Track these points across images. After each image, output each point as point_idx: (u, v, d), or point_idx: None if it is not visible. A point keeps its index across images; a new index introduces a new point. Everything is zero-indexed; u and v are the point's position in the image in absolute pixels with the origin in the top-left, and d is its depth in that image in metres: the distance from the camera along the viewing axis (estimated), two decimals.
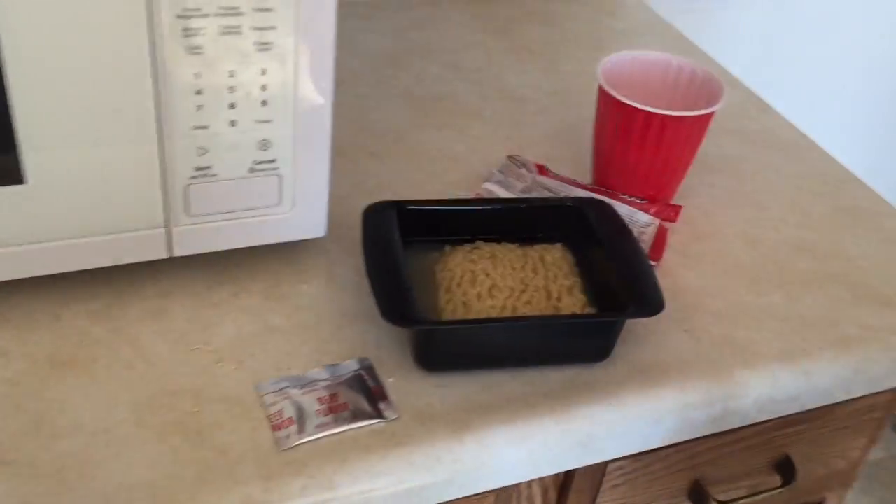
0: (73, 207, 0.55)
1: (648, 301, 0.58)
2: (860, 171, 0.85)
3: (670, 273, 0.69)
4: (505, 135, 0.84)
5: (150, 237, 0.59)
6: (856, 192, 0.81)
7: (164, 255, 0.60)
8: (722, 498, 0.72)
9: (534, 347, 0.59)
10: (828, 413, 0.72)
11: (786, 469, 0.73)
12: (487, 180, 0.73)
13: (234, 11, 0.51)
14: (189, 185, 0.57)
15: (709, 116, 0.69)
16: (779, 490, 0.73)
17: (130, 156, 0.55)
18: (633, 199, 0.72)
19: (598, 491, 0.67)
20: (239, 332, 0.60)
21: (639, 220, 0.71)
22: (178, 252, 0.60)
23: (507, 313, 0.60)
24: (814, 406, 0.65)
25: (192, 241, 0.60)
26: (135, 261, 0.59)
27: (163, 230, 0.59)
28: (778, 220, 0.77)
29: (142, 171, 0.56)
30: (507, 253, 0.64)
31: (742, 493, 0.75)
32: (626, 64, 0.74)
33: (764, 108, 0.92)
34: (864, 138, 1.56)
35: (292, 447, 0.53)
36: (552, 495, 0.67)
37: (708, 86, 0.73)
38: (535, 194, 0.73)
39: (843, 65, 1.45)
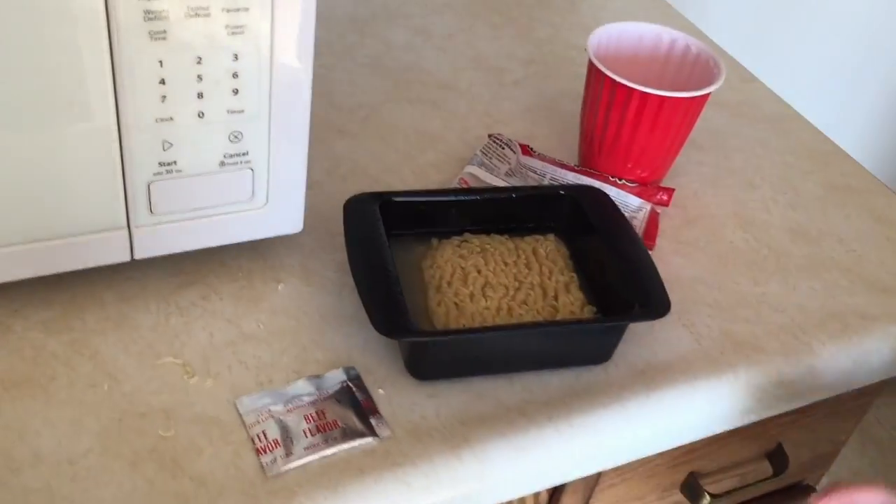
0: (23, 209, 0.49)
1: (654, 302, 0.54)
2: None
3: (664, 261, 0.66)
4: (482, 109, 0.79)
5: (109, 239, 0.53)
6: (844, 168, 0.79)
7: (125, 259, 0.54)
8: (712, 489, 0.70)
9: (533, 353, 0.55)
10: (821, 401, 0.70)
11: (777, 457, 0.72)
12: (469, 163, 0.69)
13: None
14: (152, 181, 0.51)
15: (706, 96, 0.65)
16: (770, 480, 0.71)
17: (87, 152, 0.49)
18: (623, 181, 0.68)
19: (592, 491, 0.65)
20: (211, 340, 0.55)
21: (630, 204, 0.68)
22: (139, 255, 0.54)
23: (503, 314, 0.56)
24: (816, 400, 0.63)
25: (155, 242, 0.54)
26: (93, 265, 0.54)
27: (124, 231, 0.53)
28: (769, 200, 0.74)
29: (99, 168, 0.50)
30: (498, 246, 0.60)
31: (733, 482, 0.73)
32: (615, 37, 0.70)
33: (747, 77, 0.89)
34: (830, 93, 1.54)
35: (280, 473, 0.48)
36: (543, 496, 0.64)
37: (702, 61, 0.69)
38: (519, 178, 0.69)
39: (820, 30, 1.42)
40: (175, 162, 0.51)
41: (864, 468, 1.54)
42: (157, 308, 0.56)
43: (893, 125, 1.62)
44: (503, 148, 0.70)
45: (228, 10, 0.46)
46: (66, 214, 0.51)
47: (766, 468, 0.73)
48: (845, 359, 0.62)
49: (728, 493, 0.71)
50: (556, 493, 0.64)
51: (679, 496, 0.71)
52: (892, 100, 1.58)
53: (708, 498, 0.68)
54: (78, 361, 0.52)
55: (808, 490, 0.81)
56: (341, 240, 0.60)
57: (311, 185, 0.65)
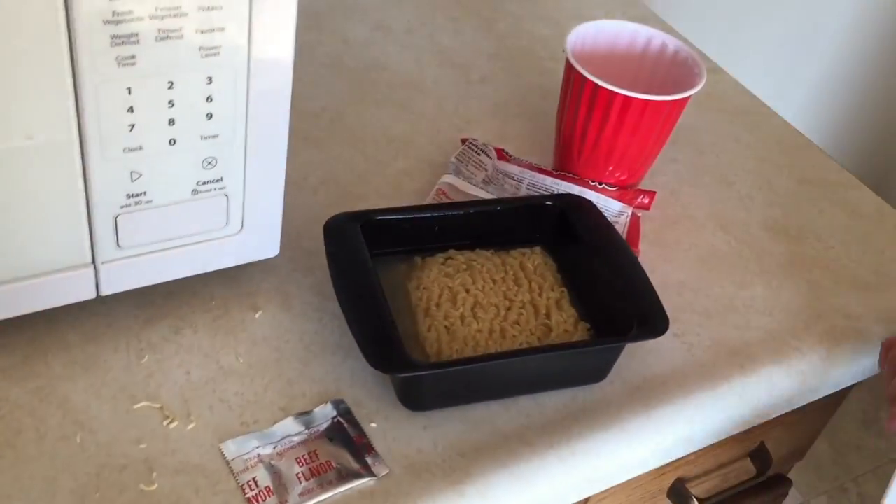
0: None
1: (652, 321, 0.53)
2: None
3: (649, 266, 0.63)
4: (451, 109, 0.76)
5: (73, 277, 0.49)
6: (815, 161, 0.78)
7: (91, 296, 0.50)
8: (696, 492, 0.70)
9: (530, 377, 0.53)
10: None
11: (760, 456, 0.71)
12: (446, 172, 0.66)
13: (175, 12, 0.41)
14: (119, 214, 0.47)
15: (689, 97, 0.63)
16: (754, 480, 0.71)
17: (48, 187, 0.44)
18: (603, 185, 0.66)
19: None
20: (188, 378, 0.51)
21: (611, 208, 0.66)
22: (106, 290, 0.50)
23: (496, 336, 0.54)
24: (805, 403, 0.63)
25: (123, 276, 0.50)
26: (56, 305, 0.49)
27: (89, 269, 0.49)
28: (745, 198, 0.73)
29: (62, 203, 0.45)
30: (485, 262, 0.58)
31: (716, 482, 0.72)
32: (591, 35, 0.67)
33: (713, 68, 0.87)
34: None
35: None
36: None
37: (680, 59, 0.67)
38: (496, 185, 0.66)
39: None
40: (144, 192, 0.47)
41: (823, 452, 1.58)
42: (127, 346, 0.52)
43: (833, 100, 1.64)
44: (478, 154, 0.68)
45: (202, 32, 0.43)
46: (26, 253, 0.46)
47: (748, 466, 0.73)
48: (834, 361, 0.61)
49: (713, 495, 0.70)
50: None
51: (666, 502, 0.70)
52: (831, 73, 1.60)
53: (696, 502, 0.68)
54: (45, 411, 0.48)
55: (784, 481, 0.81)
56: (318, 259, 0.57)
57: None
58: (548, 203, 0.59)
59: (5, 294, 0.47)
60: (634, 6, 0.95)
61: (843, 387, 0.64)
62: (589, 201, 0.60)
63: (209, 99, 0.45)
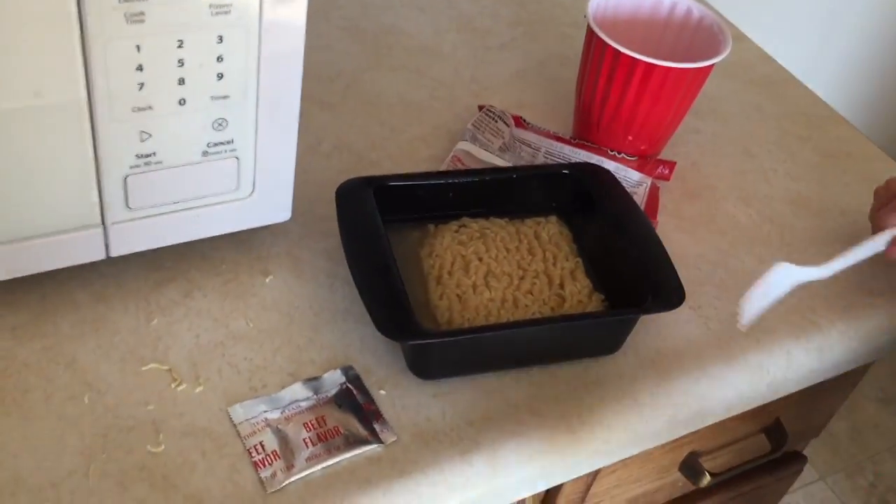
0: None
1: (668, 293, 0.52)
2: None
3: (667, 238, 0.62)
4: (469, 76, 0.74)
5: (83, 237, 0.48)
6: (839, 133, 0.76)
7: (100, 257, 0.50)
8: (709, 466, 0.69)
9: (542, 347, 0.52)
10: None
11: (775, 432, 0.71)
12: (462, 138, 0.65)
13: None
14: (129, 175, 0.47)
15: (712, 66, 0.62)
16: (768, 456, 0.70)
17: (57, 146, 0.44)
18: (622, 155, 0.65)
19: (594, 476, 0.63)
20: (197, 342, 0.51)
21: (630, 178, 0.65)
22: (115, 251, 0.50)
23: (508, 306, 0.53)
24: (822, 380, 0.62)
25: (132, 238, 0.50)
26: (65, 265, 0.49)
27: (99, 229, 0.48)
28: (768, 170, 0.71)
29: (72, 163, 0.45)
30: (499, 230, 0.57)
31: (729, 458, 0.72)
32: (613, 1, 0.66)
33: (738, 36, 0.85)
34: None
35: (281, 488, 0.45)
36: None
37: (705, 26, 0.65)
38: (513, 152, 0.65)
39: None
40: (154, 153, 0.47)
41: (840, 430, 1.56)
42: (136, 308, 0.52)
43: (867, 71, 1.60)
44: (496, 121, 0.66)
45: None
46: (37, 213, 0.46)
47: (762, 442, 0.72)
48: (853, 337, 0.60)
49: (726, 470, 0.69)
50: None
51: (678, 475, 0.69)
52: (865, 44, 1.56)
53: (708, 477, 0.67)
54: (54, 371, 0.48)
55: (799, 458, 0.80)
56: (329, 224, 0.57)
57: None
58: (564, 171, 0.58)
59: (15, 252, 0.47)
60: None
61: (861, 364, 0.63)
62: (606, 170, 0.59)
63: (219, 59, 0.45)
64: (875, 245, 0.56)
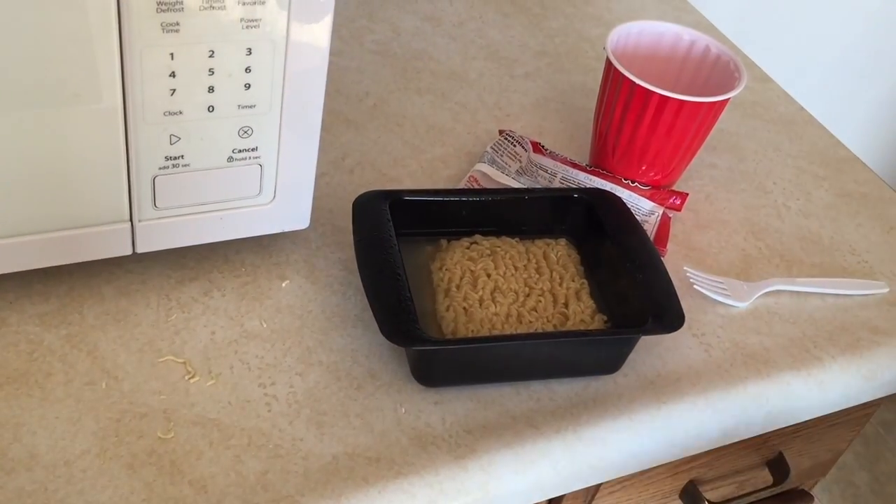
0: (25, 200, 0.47)
1: (668, 315, 0.53)
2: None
3: (675, 267, 0.64)
4: (492, 101, 0.77)
5: (111, 232, 0.51)
6: (857, 175, 0.78)
7: (127, 252, 0.53)
8: (710, 496, 0.70)
9: (542, 362, 0.54)
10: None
11: (778, 466, 0.71)
12: (480, 160, 0.67)
13: None
14: (157, 175, 0.50)
15: (726, 101, 0.64)
16: (770, 490, 0.71)
17: (91, 144, 0.47)
18: (636, 184, 0.67)
19: (592, 498, 0.64)
20: (213, 338, 0.54)
21: (642, 207, 0.66)
22: (141, 248, 0.53)
23: (512, 321, 0.55)
24: (823, 414, 0.62)
25: (158, 236, 0.53)
26: (93, 258, 0.52)
27: (126, 225, 0.51)
28: (781, 207, 0.72)
29: (104, 161, 0.48)
30: (509, 249, 0.59)
31: (731, 489, 0.72)
32: (634, 35, 0.68)
33: (762, 77, 0.87)
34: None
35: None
36: (543, 502, 0.63)
37: (722, 63, 0.67)
38: (530, 176, 0.67)
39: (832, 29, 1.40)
40: (182, 156, 0.50)
41: (848, 461, 1.55)
42: (157, 303, 0.55)
43: (891, 125, 1.61)
44: (514, 145, 0.69)
45: (244, 3, 0.45)
46: (69, 206, 0.49)
47: (766, 476, 0.73)
48: (854, 373, 0.61)
49: (727, 501, 0.70)
50: (555, 500, 0.63)
51: (678, 503, 0.70)
52: (891, 99, 1.57)
53: None
54: (76, 357, 0.51)
55: (805, 496, 0.80)
56: (348, 235, 0.59)
57: (317, 177, 0.63)
58: (575, 196, 0.60)
59: (48, 242, 0.50)
60: (689, 12, 0.95)
61: (863, 402, 0.64)
62: (616, 195, 0.61)
63: (248, 69, 0.48)
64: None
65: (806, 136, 0.81)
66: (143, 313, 0.54)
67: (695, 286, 0.62)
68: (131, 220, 0.51)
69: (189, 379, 0.51)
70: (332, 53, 0.78)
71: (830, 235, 0.71)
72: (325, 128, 0.70)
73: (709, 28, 0.92)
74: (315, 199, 0.59)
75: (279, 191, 0.54)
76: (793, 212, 0.72)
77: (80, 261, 0.52)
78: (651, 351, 0.58)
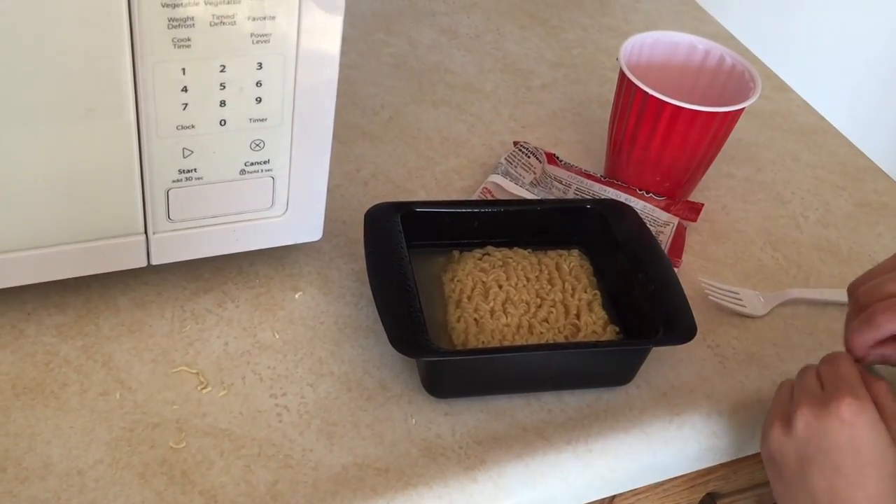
0: (42, 213, 0.48)
1: (680, 326, 0.53)
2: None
3: (690, 278, 0.64)
4: (507, 113, 0.77)
5: (126, 245, 0.52)
6: (876, 185, 0.77)
7: (142, 264, 0.53)
8: None
9: (553, 373, 0.54)
10: None
11: None
12: (494, 172, 0.67)
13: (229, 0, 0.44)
14: (171, 188, 0.50)
15: (740, 111, 0.63)
16: None
17: (106, 158, 0.48)
18: (651, 195, 0.67)
19: None
20: (226, 349, 0.54)
21: (657, 218, 0.66)
22: (156, 260, 0.53)
23: (523, 332, 0.55)
24: None
25: (172, 248, 0.53)
26: (109, 270, 0.53)
27: (141, 237, 0.52)
28: (799, 217, 0.72)
29: (119, 174, 0.49)
30: (521, 260, 0.59)
31: (748, 502, 0.71)
32: (648, 45, 0.68)
33: (781, 86, 0.86)
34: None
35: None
36: None
37: (737, 73, 0.67)
38: (544, 188, 0.67)
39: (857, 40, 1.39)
40: (195, 169, 0.50)
41: None
42: (172, 315, 0.55)
43: None
44: (528, 157, 0.69)
45: (254, 19, 0.45)
46: (84, 219, 0.50)
47: None
48: None
49: None
50: None
51: None
52: None
53: None
54: (91, 368, 0.52)
55: None
56: (361, 247, 0.59)
57: (332, 189, 0.64)
58: (588, 206, 0.60)
59: (65, 254, 0.51)
60: (707, 23, 0.95)
61: None
62: (629, 206, 0.60)
63: (258, 84, 0.48)
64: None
65: (825, 146, 0.80)
66: (157, 324, 0.55)
67: (710, 297, 0.62)
68: (146, 232, 0.52)
69: (201, 389, 0.52)
70: (348, 67, 0.79)
71: (849, 245, 0.70)
72: (340, 140, 0.70)
73: (727, 38, 0.92)
74: (329, 210, 0.59)
75: (291, 203, 0.55)
76: (811, 222, 0.72)
77: (97, 272, 0.53)
78: (664, 362, 0.58)
